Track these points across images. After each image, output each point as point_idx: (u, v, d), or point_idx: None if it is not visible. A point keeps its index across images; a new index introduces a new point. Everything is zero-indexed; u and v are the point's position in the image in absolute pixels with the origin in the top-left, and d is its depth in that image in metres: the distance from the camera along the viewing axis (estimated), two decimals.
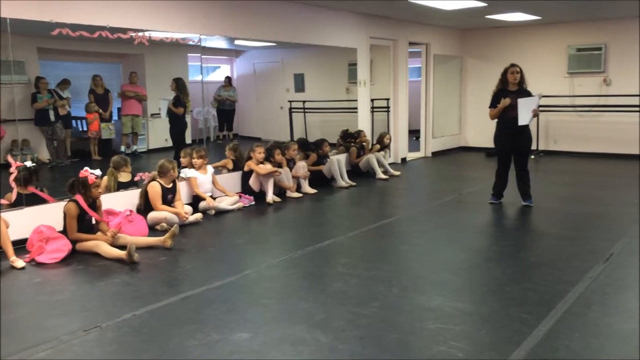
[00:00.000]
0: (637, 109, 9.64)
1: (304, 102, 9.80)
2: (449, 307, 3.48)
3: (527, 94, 6.15)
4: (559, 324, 3.19)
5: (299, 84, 10.01)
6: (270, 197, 6.74)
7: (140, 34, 5.95)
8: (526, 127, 6.18)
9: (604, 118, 10.25)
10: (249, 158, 6.89)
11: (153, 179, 5.72)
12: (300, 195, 7.16)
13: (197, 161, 6.36)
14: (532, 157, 10.03)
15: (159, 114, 7.86)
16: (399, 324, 3.27)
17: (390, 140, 9.20)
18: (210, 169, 6.53)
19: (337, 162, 7.89)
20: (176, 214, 5.60)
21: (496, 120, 6.32)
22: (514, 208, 6.30)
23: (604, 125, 10.29)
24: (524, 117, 6.04)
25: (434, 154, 11.13)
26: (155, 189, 5.63)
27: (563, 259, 4.45)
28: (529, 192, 6.32)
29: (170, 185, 5.76)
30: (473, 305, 3.54)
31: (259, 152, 6.84)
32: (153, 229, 5.48)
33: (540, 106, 6.38)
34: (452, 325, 3.22)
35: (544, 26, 10.60)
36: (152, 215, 5.59)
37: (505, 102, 6.07)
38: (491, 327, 3.20)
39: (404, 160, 10.34)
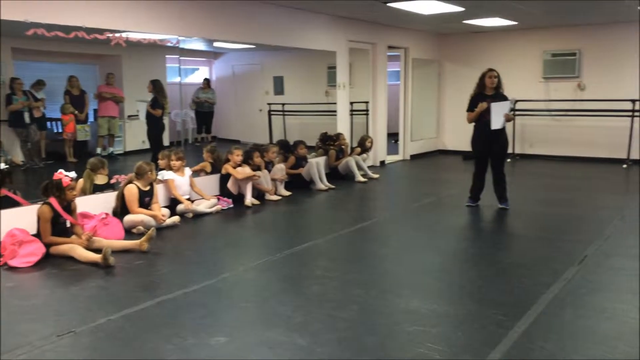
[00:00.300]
0: (610, 113, 9.83)
1: (283, 104, 9.79)
2: (427, 309, 3.50)
3: (504, 99, 6.23)
4: (534, 326, 3.22)
5: (278, 86, 10.00)
6: (249, 200, 6.71)
7: (117, 34, 5.89)
8: (503, 131, 6.26)
9: (578, 122, 10.42)
10: (227, 161, 6.85)
11: (130, 182, 5.65)
12: (279, 198, 7.15)
13: (175, 163, 6.30)
14: (509, 160, 10.16)
15: (137, 115, 7.78)
16: (377, 327, 3.27)
17: (371, 143, 9.24)
18: (188, 171, 6.48)
19: (316, 165, 7.89)
20: (153, 216, 5.54)
21: (473, 124, 6.38)
22: (491, 211, 6.37)
23: (578, 130, 10.47)
24: (496, 121, 6.11)
25: (413, 157, 11.20)
26: (132, 192, 5.56)
27: (538, 261, 4.51)
28: (506, 195, 6.40)
29: (148, 188, 5.70)
30: (450, 307, 3.56)
31: (237, 155, 6.81)
32: (129, 232, 5.41)
33: (516, 110, 6.47)
34: (429, 327, 3.23)
35: (520, 31, 10.75)
36: (128, 218, 5.52)
37: (482, 106, 6.14)
38: (468, 328, 3.23)
39: (382, 163, 10.39)
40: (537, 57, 10.72)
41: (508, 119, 6.19)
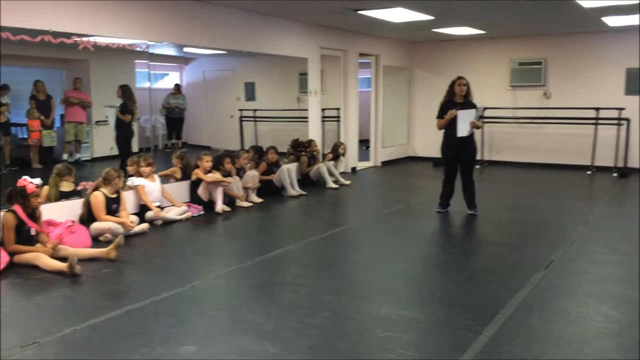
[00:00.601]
0: (574, 121, 10.08)
1: (254, 110, 9.76)
2: (397, 315, 3.52)
3: (473, 106, 6.32)
4: (503, 330, 3.27)
5: (250, 92, 9.97)
6: (220, 206, 6.66)
7: (85, 39, 5.79)
8: (471, 138, 6.36)
9: (544, 130, 10.66)
10: (197, 167, 6.80)
11: (96, 188, 5.55)
12: (250, 204, 7.11)
13: (145, 169, 6.22)
14: (477, 167, 10.33)
15: (105, 121, 7.65)
16: (349, 333, 3.28)
17: (345, 150, 9.27)
18: (157, 177, 6.40)
19: (288, 171, 7.89)
20: (121, 224, 5.45)
21: (443, 131, 6.47)
22: (460, 217, 6.45)
23: (544, 137, 10.70)
24: (462, 129, 6.21)
25: (384, 163, 11.29)
26: (98, 199, 5.46)
27: (506, 266, 4.59)
28: (474, 201, 6.49)
29: (115, 195, 5.60)
30: (420, 313, 3.59)
31: (206, 161, 6.76)
32: (97, 240, 5.31)
33: (485, 118, 6.57)
34: (400, 333, 3.25)
35: (489, 40, 10.96)
36: (95, 225, 5.42)
37: (452, 113, 6.22)
38: (438, 334, 3.26)
39: (354, 169, 10.44)
40: (504, 66, 10.94)
41: (475, 126, 6.29)
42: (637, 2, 6.87)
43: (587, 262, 4.69)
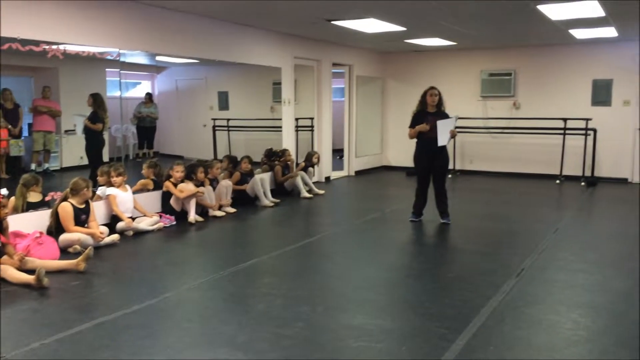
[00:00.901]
0: (543, 131, 10.29)
1: (228, 120, 9.71)
2: (371, 324, 3.52)
3: (445, 116, 6.40)
4: (476, 338, 3.30)
5: (223, 101, 9.91)
6: (193, 216, 6.59)
7: (54, 46, 5.70)
8: (444, 147, 6.43)
9: (514, 139, 10.85)
10: (169, 177, 6.72)
11: (64, 199, 5.43)
12: (224, 214, 7.05)
13: (115, 179, 6.12)
14: (450, 176, 10.44)
15: (74, 130, 7.51)
16: (323, 344, 3.26)
17: (318, 159, 9.28)
18: (129, 188, 6.30)
19: (261, 180, 7.85)
20: (91, 235, 5.34)
21: (415, 140, 6.53)
22: (433, 225, 6.51)
23: (514, 147, 10.89)
24: (442, 138, 6.27)
25: (357, 172, 11.33)
26: (66, 210, 5.35)
27: (479, 274, 4.63)
28: (447, 210, 6.55)
29: (84, 205, 5.50)
30: (394, 322, 3.60)
31: (177, 172, 6.69)
32: (65, 252, 5.20)
33: (456, 127, 6.66)
34: (374, 343, 3.25)
35: (460, 51, 11.13)
36: (64, 237, 5.30)
37: (424, 127, 6.27)
38: (412, 343, 3.26)
39: (328, 179, 10.45)
40: (475, 77, 11.12)
41: (453, 135, 6.36)
42: (603, 15, 7.06)
43: (557, 270, 4.77)
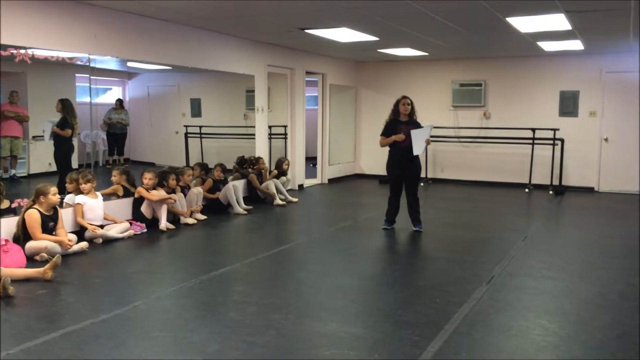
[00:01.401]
0: (513, 141, 10.48)
1: (200, 127, 9.64)
2: (344, 332, 3.52)
3: (417, 125, 6.47)
4: (447, 345, 3.32)
5: (196, 109, 9.84)
6: (164, 224, 6.51)
7: (22, 51, 5.58)
8: (416, 156, 6.49)
9: (484, 149, 11.02)
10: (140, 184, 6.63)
11: (31, 206, 5.31)
12: (195, 221, 6.99)
13: (84, 186, 6.00)
14: (422, 184, 10.55)
15: (42, 136, 7.37)
16: (295, 352, 3.25)
17: (288, 166, 9.27)
18: (100, 195, 6.20)
19: (234, 188, 7.81)
20: (58, 242, 5.23)
21: (388, 148, 6.58)
22: (406, 233, 6.55)
23: (484, 156, 11.07)
24: (418, 147, 6.33)
25: (330, 180, 11.36)
26: (33, 217, 5.22)
27: (450, 282, 4.68)
28: (419, 218, 6.61)
29: (51, 212, 5.38)
30: (367, 330, 3.60)
31: (148, 179, 6.61)
32: (32, 260, 5.08)
33: (430, 136, 6.74)
34: (346, 350, 3.25)
35: (431, 62, 11.29)
36: (30, 244, 5.18)
37: (400, 137, 6.32)
38: (384, 350, 3.27)
39: (301, 186, 10.44)
40: (446, 87, 11.28)
41: (427, 143, 6.42)
42: (569, 28, 7.24)
43: (526, 277, 4.85)
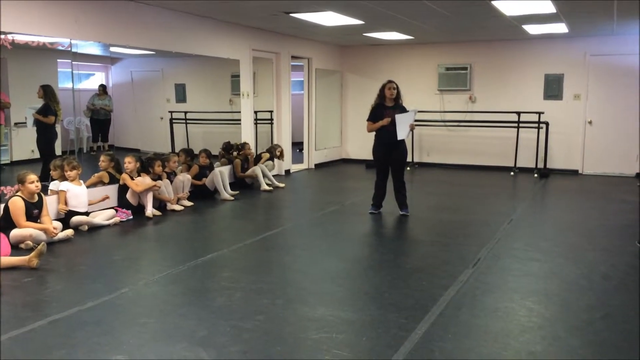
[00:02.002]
0: (498, 124, 10.53)
1: (185, 113, 9.56)
2: (332, 316, 3.54)
3: (403, 109, 6.47)
4: (434, 327, 3.36)
5: (180, 94, 9.74)
6: (150, 210, 6.47)
7: (2, 36, 5.47)
8: (402, 140, 6.50)
9: (470, 132, 11.07)
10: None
11: (15, 193, 5.24)
12: (182, 208, 6.96)
13: (70, 173, 5.92)
14: (408, 168, 10.58)
15: (25, 122, 7.25)
16: (283, 336, 3.26)
17: (281, 153, 9.24)
18: (83, 183, 6.13)
19: (220, 174, 7.77)
20: (43, 230, 5.18)
21: (374, 133, 6.58)
22: (392, 217, 6.58)
23: (470, 139, 11.11)
24: (401, 132, 6.34)
25: (317, 165, 11.35)
26: (17, 205, 5.16)
27: (437, 265, 4.72)
28: (406, 202, 6.64)
29: (36, 200, 5.32)
30: (355, 314, 3.63)
31: (127, 162, 6.54)
32: (17, 248, 5.03)
33: (415, 120, 6.76)
34: (334, 334, 3.27)
35: (417, 46, 11.26)
36: (15, 232, 5.12)
37: (386, 122, 6.31)
38: (372, 333, 3.30)
39: (287, 172, 10.43)
40: (432, 71, 11.27)
41: (412, 128, 6.43)
42: (554, 11, 7.26)
43: (511, 259, 4.90)
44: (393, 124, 6.33)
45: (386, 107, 6.44)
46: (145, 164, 6.78)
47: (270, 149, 9.19)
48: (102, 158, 6.85)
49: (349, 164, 12.03)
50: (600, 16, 7.79)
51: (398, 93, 6.48)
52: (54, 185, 6.00)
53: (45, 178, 6.13)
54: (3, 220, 5.21)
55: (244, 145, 8.84)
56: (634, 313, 3.64)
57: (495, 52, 10.79)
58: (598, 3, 6.80)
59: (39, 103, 6.79)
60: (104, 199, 6.30)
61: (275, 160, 9.33)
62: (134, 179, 6.56)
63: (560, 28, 8.80)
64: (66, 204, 5.86)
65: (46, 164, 6.44)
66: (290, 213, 7.48)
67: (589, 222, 6.49)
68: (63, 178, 6.00)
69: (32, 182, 5.24)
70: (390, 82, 6.50)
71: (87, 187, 6.25)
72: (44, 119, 6.75)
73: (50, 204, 5.71)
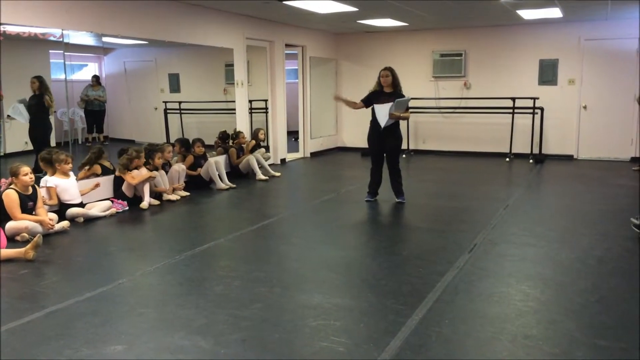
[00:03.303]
0: (493, 111, 10.53)
1: (179, 102, 9.52)
2: (329, 303, 3.55)
3: (400, 96, 6.42)
4: (431, 313, 3.38)
5: (174, 84, 9.70)
6: (147, 201, 6.46)
7: None
8: (397, 127, 6.50)
9: (465, 119, 11.07)
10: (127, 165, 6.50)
11: (9, 186, 5.22)
12: (178, 198, 6.95)
13: (66, 167, 5.87)
14: (404, 156, 10.59)
15: (12, 118, 7.19)
16: (281, 324, 3.27)
17: (264, 135, 9.19)
18: (73, 175, 6.04)
19: (216, 163, 7.76)
20: (39, 222, 5.17)
21: (369, 121, 6.57)
22: (388, 205, 6.59)
23: (465, 126, 11.11)
24: (381, 121, 6.35)
25: (313, 154, 11.34)
26: (11, 197, 5.14)
27: (433, 251, 4.73)
28: (402, 190, 6.65)
29: (30, 192, 5.30)
30: (352, 301, 3.64)
31: (137, 158, 6.50)
32: (13, 240, 5.02)
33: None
34: (332, 321, 3.28)
35: (412, 32, 11.21)
36: (10, 225, 5.10)
37: (344, 100, 6.40)
38: (369, 320, 3.31)
39: (283, 161, 10.42)
40: (427, 57, 11.24)
41: (400, 117, 6.39)
42: None
43: (507, 245, 4.92)
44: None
45: (384, 93, 6.41)
46: (146, 156, 6.73)
47: (254, 135, 9.13)
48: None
49: (344, 152, 12.02)
50: (595, 1, 7.76)
51: (395, 80, 6.43)
52: (43, 181, 5.94)
53: (39, 170, 6.09)
54: None
55: (239, 134, 8.81)
56: (628, 296, 3.67)
57: (490, 38, 10.76)
58: None
59: (27, 95, 6.71)
60: (95, 187, 6.26)
61: (271, 149, 9.31)
62: (130, 173, 6.51)
63: (555, 13, 8.77)
64: (58, 198, 5.81)
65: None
66: (286, 202, 7.48)
67: (584, 206, 6.52)
68: (52, 171, 5.92)
69: (26, 174, 5.21)
70: (384, 69, 6.46)
71: (81, 179, 6.22)
72: (50, 103, 6.67)
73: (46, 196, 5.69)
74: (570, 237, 5.16)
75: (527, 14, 8.94)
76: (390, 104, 6.33)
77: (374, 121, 6.48)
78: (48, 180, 5.83)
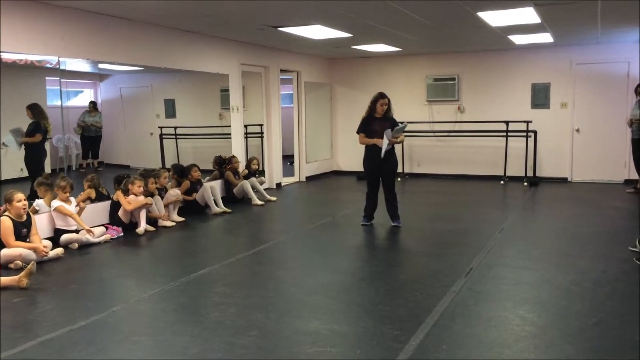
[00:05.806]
0: (487, 134, 10.61)
1: (175, 128, 9.55)
2: (326, 329, 3.52)
3: (393, 121, 6.47)
4: (428, 338, 3.35)
5: (170, 109, 9.74)
6: (143, 227, 6.43)
7: None
8: (392, 151, 6.53)
9: (459, 142, 11.13)
10: (125, 188, 6.49)
11: (2, 213, 5.20)
12: (173, 224, 6.92)
13: (65, 195, 5.87)
14: (399, 179, 10.61)
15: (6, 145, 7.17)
16: (277, 351, 3.24)
17: (258, 165, 9.20)
18: (74, 200, 6.09)
19: (211, 188, 7.75)
20: (33, 249, 5.13)
21: (364, 145, 6.60)
22: (384, 229, 6.59)
23: (460, 149, 11.17)
24: (384, 147, 6.36)
25: (308, 178, 11.35)
26: (5, 224, 5.11)
27: (429, 275, 4.72)
28: (397, 213, 6.65)
29: (24, 219, 5.27)
30: (348, 326, 3.61)
31: (138, 186, 6.48)
32: (6, 268, 4.97)
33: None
34: (329, 347, 3.25)
35: (405, 57, 11.34)
36: (4, 252, 5.07)
37: (379, 142, 6.34)
38: (366, 346, 3.29)
39: (279, 185, 10.42)
40: (421, 81, 11.35)
41: (396, 141, 6.44)
42: (539, 21, 7.35)
43: (503, 268, 4.91)
44: (382, 136, 6.35)
45: (376, 119, 6.47)
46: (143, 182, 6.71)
47: (247, 163, 9.13)
48: (85, 182, 6.74)
49: (340, 176, 12.04)
50: (585, 25, 7.89)
51: (389, 106, 6.51)
52: (37, 204, 5.92)
53: (34, 197, 6.08)
54: None
55: (232, 158, 8.82)
56: (626, 318, 3.65)
57: (483, 62, 10.89)
58: (582, 12, 6.89)
59: (19, 124, 6.70)
60: (82, 209, 6.19)
61: (266, 174, 9.31)
62: (126, 197, 6.50)
63: (546, 38, 8.90)
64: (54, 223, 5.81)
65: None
66: (282, 226, 7.46)
67: (580, 229, 6.53)
68: (51, 197, 5.92)
69: (20, 201, 5.19)
70: (382, 97, 6.46)
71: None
72: (30, 140, 6.68)
73: (40, 222, 5.66)
74: (566, 260, 5.16)
75: (518, 39, 9.07)
76: (388, 130, 6.37)
77: (372, 146, 6.51)
78: (52, 203, 5.81)
